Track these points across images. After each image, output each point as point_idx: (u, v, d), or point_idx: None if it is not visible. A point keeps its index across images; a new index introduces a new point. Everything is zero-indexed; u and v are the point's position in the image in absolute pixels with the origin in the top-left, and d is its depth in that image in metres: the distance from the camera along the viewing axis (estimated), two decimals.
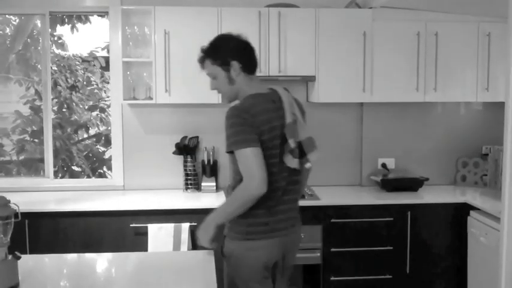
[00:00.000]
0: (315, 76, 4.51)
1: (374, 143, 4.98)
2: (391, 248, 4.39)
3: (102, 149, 6.46)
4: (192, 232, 4.04)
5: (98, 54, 6.44)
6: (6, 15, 5.73)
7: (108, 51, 5.42)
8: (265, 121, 2.73)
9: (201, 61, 2.91)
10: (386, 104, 4.83)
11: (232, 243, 2.83)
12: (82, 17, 5.88)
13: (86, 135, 6.46)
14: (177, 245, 4.09)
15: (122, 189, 4.85)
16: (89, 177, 6.17)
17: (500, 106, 4.75)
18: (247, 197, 2.66)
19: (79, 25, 6.05)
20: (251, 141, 2.66)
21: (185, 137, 4.73)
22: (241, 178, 2.68)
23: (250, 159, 2.64)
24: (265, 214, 2.79)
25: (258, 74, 4.44)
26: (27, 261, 2.59)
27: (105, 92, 6.49)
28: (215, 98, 4.24)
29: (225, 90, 2.91)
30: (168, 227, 4.10)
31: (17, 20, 5.81)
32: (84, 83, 6.44)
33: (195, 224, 4.05)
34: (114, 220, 4.16)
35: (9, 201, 2.32)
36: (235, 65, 2.84)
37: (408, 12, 4.55)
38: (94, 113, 6.39)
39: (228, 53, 2.86)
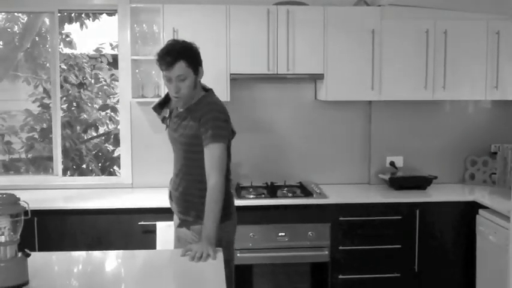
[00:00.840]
0: (324, 74, 4.51)
1: (382, 141, 4.97)
2: (400, 246, 4.38)
3: (111, 147, 6.47)
4: None
5: (104, 51, 6.44)
6: (15, 13, 5.74)
7: (114, 48, 5.43)
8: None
9: (173, 62, 2.95)
10: (395, 102, 4.81)
11: (224, 226, 3.01)
12: (90, 14, 5.88)
13: (95, 134, 6.46)
14: None
15: (130, 187, 4.86)
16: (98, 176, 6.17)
17: (509, 104, 4.75)
18: (223, 192, 2.94)
19: (87, 22, 6.05)
20: (227, 138, 3.03)
21: None
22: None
23: (224, 154, 2.97)
24: (231, 197, 3.24)
25: (266, 72, 4.50)
26: (37, 259, 2.59)
27: (113, 89, 6.49)
28: (223, 95, 4.24)
29: (188, 94, 3.04)
30: None
31: (26, 18, 5.81)
32: (92, 80, 6.44)
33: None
34: (123, 218, 4.17)
35: (19, 199, 2.32)
36: (201, 70, 3.06)
37: (417, 10, 4.53)
38: (103, 112, 6.39)
39: (199, 58, 3.06)
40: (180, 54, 2.95)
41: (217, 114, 3.01)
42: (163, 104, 3.29)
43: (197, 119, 3.01)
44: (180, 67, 2.94)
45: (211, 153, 2.94)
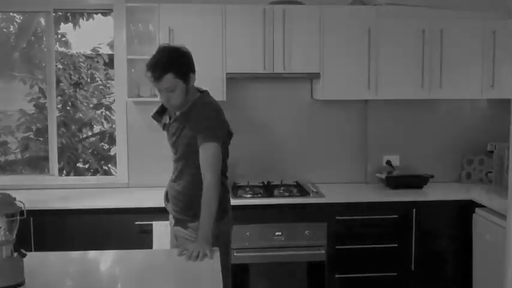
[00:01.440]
0: (320, 73, 4.50)
1: (379, 140, 4.97)
2: (396, 245, 4.38)
3: (106, 146, 6.45)
4: None
5: (101, 51, 6.42)
6: (10, 13, 5.72)
7: (111, 48, 5.41)
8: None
9: (161, 76, 2.94)
10: (391, 101, 4.81)
11: (218, 224, 2.99)
12: (85, 14, 5.86)
13: (90, 133, 6.45)
14: None
15: (126, 186, 4.85)
16: (95, 174, 6.16)
17: (505, 103, 4.74)
18: (218, 191, 2.95)
19: (82, 22, 6.03)
20: (221, 137, 3.01)
21: None
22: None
23: (217, 153, 2.96)
24: (228, 193, 3.27)
25: (262, 71, 4.50)
26: (33, 259, 2.58)
27: (109, 89, 6.48)
28: (220, 95, 4.24)
29: (180, 101, 3.03)
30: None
31: (21, 18, 5.80)
32: (88, 80, 6.42)
33: None
34: (119, 218, 4.16)
35: (14, 199, 2.31)
36: (193, 77, 3.04)
37: (413, 9, 4.53)
38: (98, 111, 6.37)
39: (189, 66, 3.03)
40: (167, 68, 2.93)
41: (210, 113, 3.03)
42: (162, 111, 3.28)
43: (192, 120, 3.02)
44: (168, 80, 2.94)
45: (205, 153, 2.95)
